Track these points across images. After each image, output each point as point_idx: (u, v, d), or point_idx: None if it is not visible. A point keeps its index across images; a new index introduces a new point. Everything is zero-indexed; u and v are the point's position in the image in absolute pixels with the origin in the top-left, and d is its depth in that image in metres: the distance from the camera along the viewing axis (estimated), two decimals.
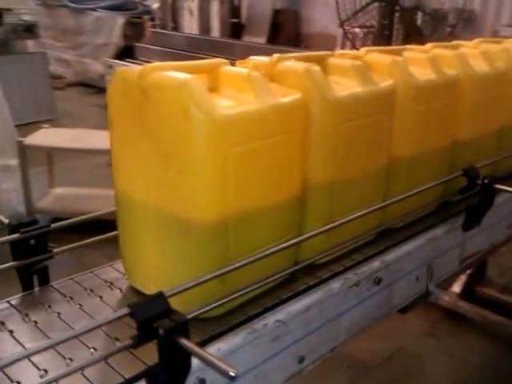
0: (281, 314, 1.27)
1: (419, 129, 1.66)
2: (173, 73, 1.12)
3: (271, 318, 1.24)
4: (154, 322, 0.96)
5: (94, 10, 9.71)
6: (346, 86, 1.43)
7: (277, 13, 9.26)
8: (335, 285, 1.41)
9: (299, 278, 1.40)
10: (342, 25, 4.60)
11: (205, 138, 1.07)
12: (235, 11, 9.39)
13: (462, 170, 1.85)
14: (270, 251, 1.22)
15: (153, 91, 1.10)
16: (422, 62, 1.74)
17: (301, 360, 1.32)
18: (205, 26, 8.87)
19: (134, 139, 1.16)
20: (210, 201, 1.11)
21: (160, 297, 1.01)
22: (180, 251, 1.16)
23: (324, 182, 1.39)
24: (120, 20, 9.17)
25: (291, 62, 1.40)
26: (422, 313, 3.20)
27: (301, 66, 1.36)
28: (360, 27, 5.75)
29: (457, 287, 3.33)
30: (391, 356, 2.93)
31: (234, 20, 9.17)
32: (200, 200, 1.10)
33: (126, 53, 8.12)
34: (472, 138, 1.94)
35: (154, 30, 8.45)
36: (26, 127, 5.32)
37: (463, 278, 3.33)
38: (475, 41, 2.23)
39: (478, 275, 3.41)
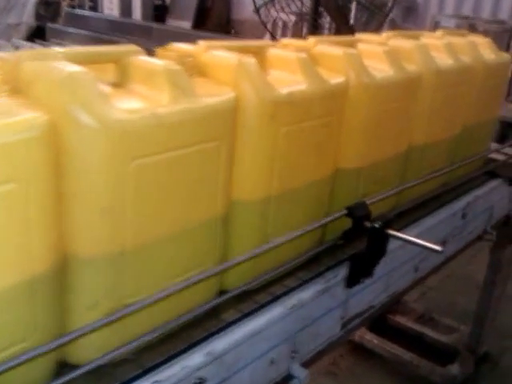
0: None
1: (282, 159, 1.19)
2: None
3: None
4: None
5: None
6: None
7: None
8: None
9: None
10: (257, 10, 4.07)
11: None
12: None
13: (346, 209, 1.40)
14: None
15: None
16: (291, 66, 1.26)
17: None
18: (126, 8, 8.10)
19: None
20: None
21: None
22: None
23: None
24: None
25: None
26: None
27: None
28: (289, 13, 5.25)
29: None
30: None
31: (158, 2, 8.43)
32: None
33: (40, 34, 7.38)
34: (367, 165, 1.49)
35: (68, 9, 7.73)
36: None
37: None
38: (384, 35, 1.77)
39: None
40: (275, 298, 1.26)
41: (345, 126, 1.37)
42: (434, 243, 1.31)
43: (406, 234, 1.42)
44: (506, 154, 2.28)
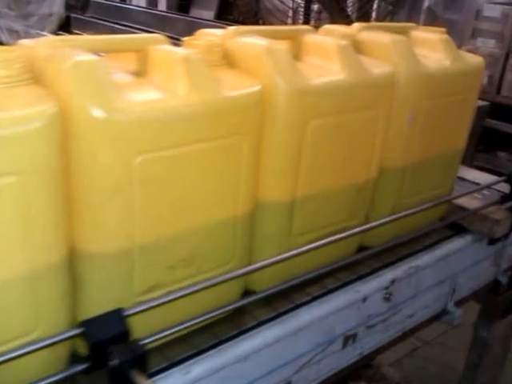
0: None
1: None
2: None
3: None
4: None
5: None
6: None
7: None
8: None
9: None
10: None
11: None
12: None
13: (81, 325, 0.84)
14: None
15: None
16: None
17: None
18: None
19: None
20: None
21: None
22: None
23: None
24: None
25: None
26: None
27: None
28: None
29: None
30: None
31: None
32: None
33: (66, 25, 7.17)
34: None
35: (97, 0, 7.49)
36: None
37: None
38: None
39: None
40: None
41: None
42: None
43: None
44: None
